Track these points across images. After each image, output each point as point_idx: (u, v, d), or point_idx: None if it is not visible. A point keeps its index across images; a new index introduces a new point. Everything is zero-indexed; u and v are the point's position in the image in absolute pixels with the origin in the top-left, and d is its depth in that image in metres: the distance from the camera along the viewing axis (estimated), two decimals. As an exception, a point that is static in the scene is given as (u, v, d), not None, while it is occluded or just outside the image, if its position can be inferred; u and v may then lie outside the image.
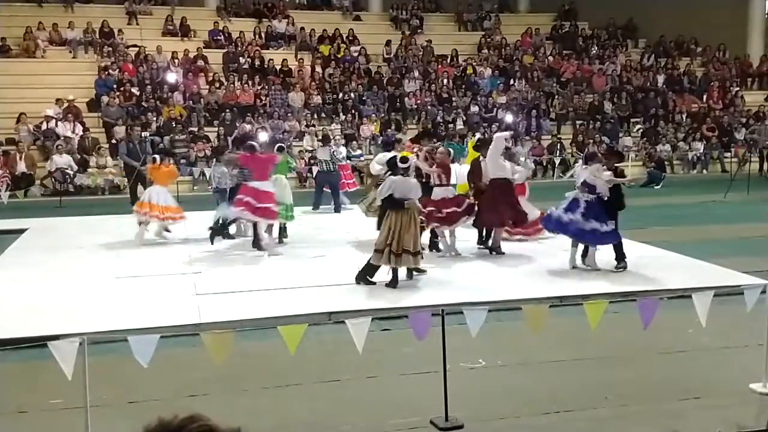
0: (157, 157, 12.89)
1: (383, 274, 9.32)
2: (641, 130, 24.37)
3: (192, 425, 1.85)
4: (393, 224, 9.04)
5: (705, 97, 26.05)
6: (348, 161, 16.84)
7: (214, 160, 12.84)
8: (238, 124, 21.41)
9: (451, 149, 11.99)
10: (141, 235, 12.34)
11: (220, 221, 11.91)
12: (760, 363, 6.22)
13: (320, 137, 19.27)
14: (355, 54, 25.44)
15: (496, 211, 10.85)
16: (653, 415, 5.85)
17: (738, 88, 26.42)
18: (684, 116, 25.17)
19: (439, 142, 12.81)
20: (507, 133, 11.98)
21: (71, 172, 19.16)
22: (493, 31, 27.87)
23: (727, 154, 23.48)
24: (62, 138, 19.93)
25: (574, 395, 6.18)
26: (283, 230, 12.36)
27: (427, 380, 6.19)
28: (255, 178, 11.24)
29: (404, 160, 9.42)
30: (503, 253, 10.99)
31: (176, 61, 23.35)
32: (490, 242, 11.25)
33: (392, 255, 8.99)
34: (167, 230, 12.63)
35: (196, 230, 12.44)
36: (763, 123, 24.28)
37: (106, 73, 22.36)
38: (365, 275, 9.33)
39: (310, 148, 21.42)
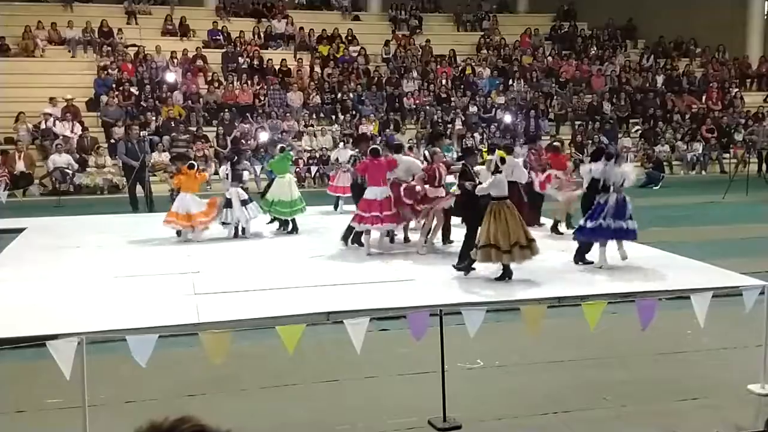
0: (195, 163, 12.83)
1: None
2: (640, 131, 24.38)
3: (183, 426, 1.84)
4: (495, 220, 9.23)
5: (704, 97, 26.07)
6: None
7: (229, 161, 12.83)
8: (237, 124, 21.43)
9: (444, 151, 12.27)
10: (200, 234, 12.39)
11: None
12: (759, 364, 6.22)
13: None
14: (354, 54, 25.44)
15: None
16: (651, 416, 5.86)
17: (737, 89, 26.45)
18: (683, 117, 25.19)
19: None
20: (520, 160, 12.09)
21: (70, 172, 19.15)
22: (492, 32, 27.89)
23: (726, 155, 23.49)
24: (61, 137, 19.91)
25: (573, 396, 6.18)
26: (293, 223, 12.92)
27: (425, 380, 6.19)
28: (370, 183, 11.14)
29: (503, 160, 9.67)
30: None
31: (175, 60, 23.35)
32: None
33: (503, 253, 9.20)
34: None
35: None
36: (762, 124, 24.29)
37: (105, 72, 22.36)
38: (468, 267, 9.64)
39: (309, 148, 21.47)
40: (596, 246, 10.20)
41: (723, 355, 7.17)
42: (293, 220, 12.93)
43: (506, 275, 9.47)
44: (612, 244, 10.12)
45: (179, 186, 12.59)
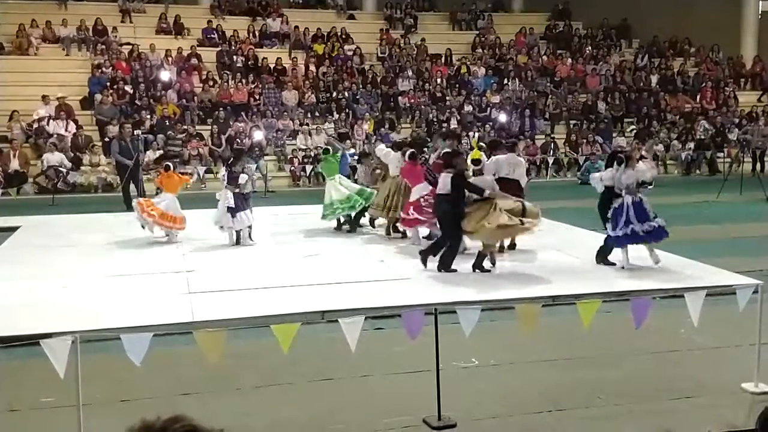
0: (170, 164, 12.77)
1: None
2: (634, 131, 24.42)
3: (175, 425, 1.83)
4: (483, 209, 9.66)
5: (698, 97, 26.13)
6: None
7: (225, 162, 12.73)
8: (231, 123, 21.40)
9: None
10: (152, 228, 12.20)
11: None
12: (752, 363, 6.24)
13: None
14: (349, 53, 25.43)
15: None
16: (645, 415, 5.86)
17: (731, 89, 26.51)
18: (677, 116, 25.24)
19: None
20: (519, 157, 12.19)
21: (64, 170, 19.11)
22: (487, 31, 27.90)
23: (720, 155, 23.54)
24: (55, 136, 19.86)
25: (567, 394, 6.20)
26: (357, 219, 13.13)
27: (420, 379, 6.20)
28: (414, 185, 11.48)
29: (476, 162, 10.16)
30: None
31: (170, 59, 23.30)
32: None
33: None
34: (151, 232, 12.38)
35: (190, 230, 12.34)
36: (756, 123, 24.35)
37: (100, 71, 22.31)
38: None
39: (304, 147, 21.45)
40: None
41: (717, 354, 7.19)
42: (355, 216, 13.00)
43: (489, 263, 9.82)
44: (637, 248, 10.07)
45: (161, 185, 12.63)
